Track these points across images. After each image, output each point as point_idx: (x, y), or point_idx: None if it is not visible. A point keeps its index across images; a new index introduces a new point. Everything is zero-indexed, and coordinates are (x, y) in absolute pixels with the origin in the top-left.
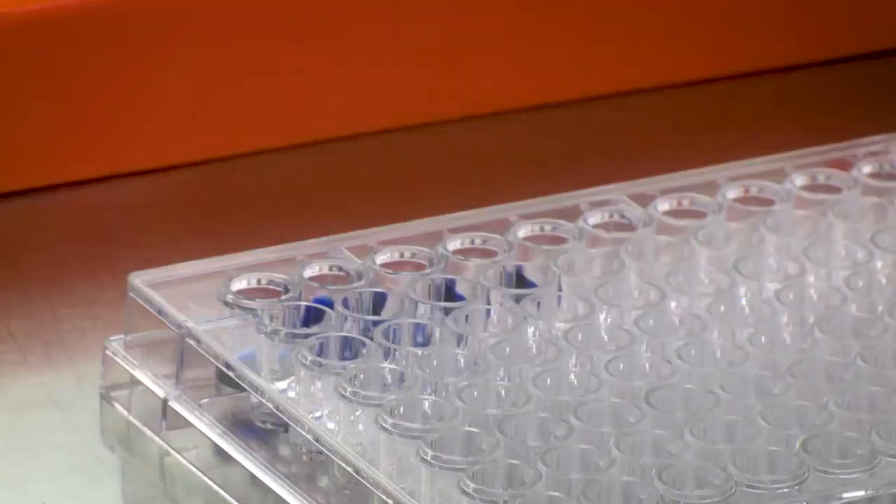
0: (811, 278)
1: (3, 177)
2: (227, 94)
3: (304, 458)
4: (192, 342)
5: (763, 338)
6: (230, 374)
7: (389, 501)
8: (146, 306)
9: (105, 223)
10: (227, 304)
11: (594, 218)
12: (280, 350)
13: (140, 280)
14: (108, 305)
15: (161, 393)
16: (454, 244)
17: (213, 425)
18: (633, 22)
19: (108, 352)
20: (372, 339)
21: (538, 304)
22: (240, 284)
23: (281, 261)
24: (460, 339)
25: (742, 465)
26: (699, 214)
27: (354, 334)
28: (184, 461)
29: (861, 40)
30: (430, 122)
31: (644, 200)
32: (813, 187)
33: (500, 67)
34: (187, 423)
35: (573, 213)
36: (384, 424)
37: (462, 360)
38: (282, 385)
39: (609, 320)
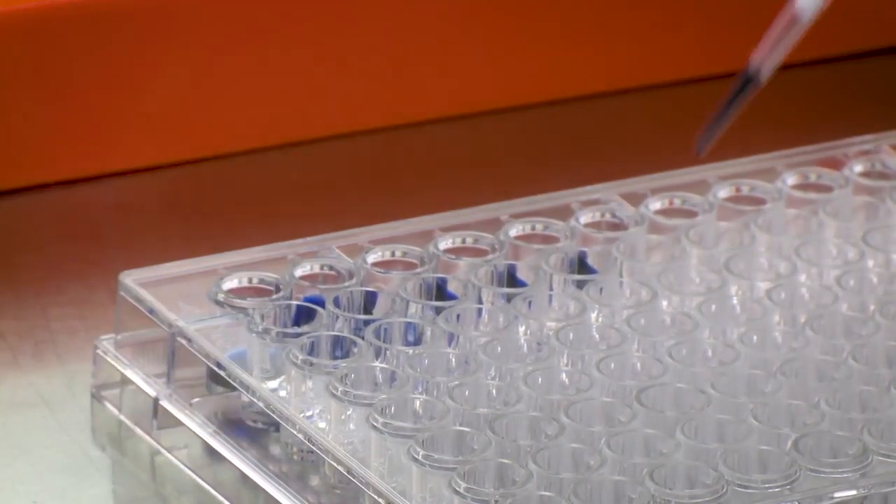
0: (802, 277)
1: None
2: (217, 94)
3: (295, 457)
4: (183, 341)
5: (754, 337)
6: (221, 373)
7: (381, 501)
8: (137, 305)
9: (96, 223)
10: (218, 303)
11: (585, 217)
12: (271, 349)
13: (131, 279)
14: (98, 305)
15: (152, 392)
16: (445, 243)
17: (204, 424)
18: (625, 21)
19: (98, 351)
20: (363, 339)
21: (529, 303)
22: (231, 283)
23: (272, 260)
24: (451, 339)
25: (733, 464)
26: (690, 213)
27: (345, 333)
28: (175, 460)
29: (852, 40)
30: (420, 122)
31: (635, 200)
32: (804, 186)
33: (489, 67)
34: (178, 423)
35: (565, 213)
36: (375, 423)
37: (453, 360)
38: (273, 384)
39: (600, 319)
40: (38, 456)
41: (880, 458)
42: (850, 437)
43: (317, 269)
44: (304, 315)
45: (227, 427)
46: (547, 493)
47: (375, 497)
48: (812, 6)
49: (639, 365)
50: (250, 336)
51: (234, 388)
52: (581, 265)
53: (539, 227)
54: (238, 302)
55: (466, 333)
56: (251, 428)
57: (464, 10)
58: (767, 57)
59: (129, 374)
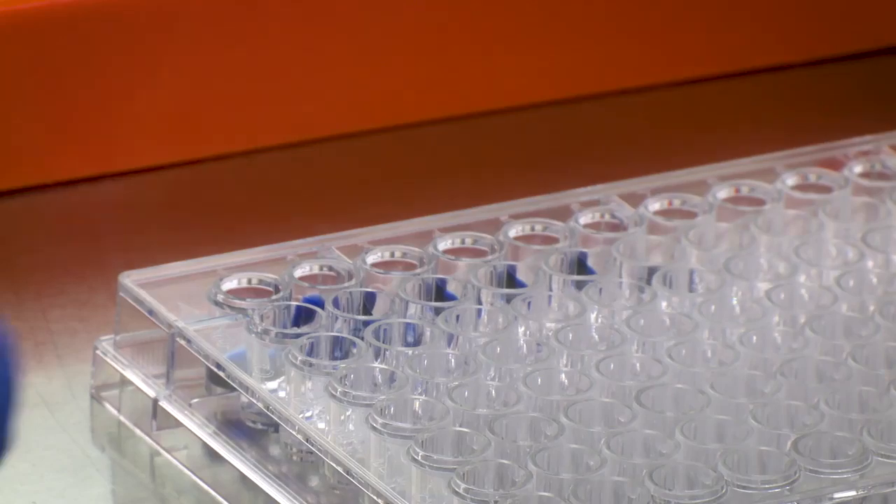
0: (802, 278)
1: None
2: (216, 95)
3: (295, 457)
4: (183, 342)
5: (754, 337)
6: (220, 373)
7: (380, 501)
8: (137, 306)
9: (95, 223)
10: (217, 303)
11: (585, 218)
12: (270, 350)
13: (130, 280)
14: (98, 306)
15: (151, 393)
16: (445, 244)
17: (204, 425)
18: (624, 22)
19: (98, 352)
20: (362, 339)
21: (529, 303)
22: (230, 284)
23: (271, 260)
24: (451, 339)
25: (733, 464)
26: (690, 214)
27: (345, 334)
28: (174, 461)
29: (851, 40)
30: (420, 122)
31: (635, 200)
32: (804, 187)
33: (489, 67)
34: (177, 423)
35: (564, 213)
36: (375, 424)
37: (453, 360)
38: (272, 385)
39: (600, 320)
40: (37, 456)
41: (880, 458)
42: (849, 437)
43: (316, 270)
44: (303, 316)
45: (226, 428)
46: (546, 494)
47: (375, 497)
48: None
49: (638, 365)
50: (250, 337)
51: (234, 389)
52: (580, 266)
53: (539, 227)
54: (237, 303)
55: (466, 334)
56: (250, 428)
57: (463, 10)
58: None
59: (129, 374)
